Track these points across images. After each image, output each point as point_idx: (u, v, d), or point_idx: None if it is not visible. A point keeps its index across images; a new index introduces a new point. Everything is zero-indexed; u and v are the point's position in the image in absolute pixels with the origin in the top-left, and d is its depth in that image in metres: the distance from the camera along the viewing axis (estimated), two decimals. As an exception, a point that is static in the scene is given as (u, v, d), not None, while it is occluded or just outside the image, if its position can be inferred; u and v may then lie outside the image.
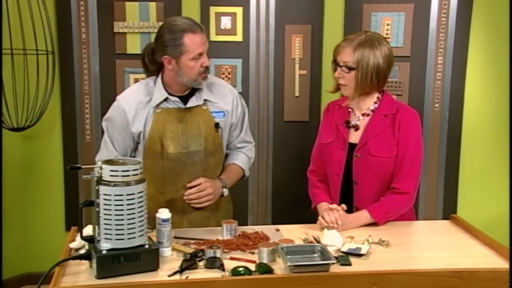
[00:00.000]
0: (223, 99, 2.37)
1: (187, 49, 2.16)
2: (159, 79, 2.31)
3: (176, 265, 1.78)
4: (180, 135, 2.28)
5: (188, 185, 2.28)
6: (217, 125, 2.33)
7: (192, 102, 2.30)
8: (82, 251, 1.86)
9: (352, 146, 2.26)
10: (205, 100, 2.32)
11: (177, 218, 2.18)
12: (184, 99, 2.30)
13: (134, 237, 1.74)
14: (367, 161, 2.22)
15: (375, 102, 2.28)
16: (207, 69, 2.24)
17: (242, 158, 2.48)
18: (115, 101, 2.34)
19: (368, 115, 2.28)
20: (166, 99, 2.28)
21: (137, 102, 2.29)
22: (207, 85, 2.34)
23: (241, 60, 3.51)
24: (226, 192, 2.34)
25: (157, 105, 2.27)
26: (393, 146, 2.21)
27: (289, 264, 1.72)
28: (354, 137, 2.27)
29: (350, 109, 2.32)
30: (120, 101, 2.31)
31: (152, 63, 2.31)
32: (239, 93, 3.45)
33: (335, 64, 2.24)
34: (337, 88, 2.30)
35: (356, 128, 2.28)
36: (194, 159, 2.29)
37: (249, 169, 2.53)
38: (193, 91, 2.31)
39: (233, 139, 2.46)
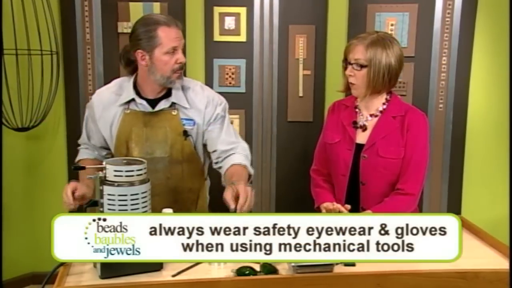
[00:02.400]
0: (196, 106, 2.27)
1: (161, 42, 2.10)
2: (132, 78, 2.26)
3: (180, 265, 1.78)
4: (144, 140, 2.22)
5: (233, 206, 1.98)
6: (185, 133, 2.23)
7: (159, 106, 2.22)
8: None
9: (359, 147, 2.26)
10: (173, 103, 2.23)
11: None
12: (154, 102, 2.23)
13: (138, 237, 1.75)
14: (374, 162, 2.22)
15: (384, 103, 2.27)
16: (182, 67, 2.17)
17: (236, 157, 2.25)
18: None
19: (376, 116, 2.27)
20: (132, 100, 2.22)
21: (106, 99, 2.26)
22: (183, 90, 2.25)
23: (244, 61, 3.51)
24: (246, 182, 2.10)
25: (127, 106, 2.22)
26: (401, 148, 2.21)
27: (293, 264, 1.72)
28: (362, 137, 2.27)
29: (357, 110, 2.32)
30: (94, 95, 2.32)
31: (127, 64, 2.25)
32: (242, 93, 3.49)
33: (346, 62, 2.24)
34: (347, 87, 2.29)
35: (364, 128, 2.27)
36: (158, 166, 2.23)
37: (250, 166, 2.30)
38: (166, 95, 2.24)
39: (213, 141, 2.29)
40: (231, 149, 2.28)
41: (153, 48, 2.12)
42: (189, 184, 2.33)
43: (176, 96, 2.23)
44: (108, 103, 2.25)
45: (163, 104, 2.22)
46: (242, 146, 2.32)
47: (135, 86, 2.24)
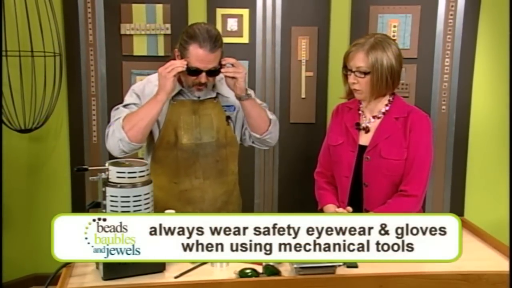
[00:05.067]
0: (233, 94, 2.38)
1: (188, 56, 2.17)
2: None
3: (182, 266, 1.79)
4: (193, 127, 2.31)
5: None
6: (228, 118, 2.37)
7: (205, 95, 2.33)
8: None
9: (362, 148, 2.26)
10: (217, 93, 2.36)
11: (190, 208, 2.32)
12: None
13: (141, 239, 1.75)
14: (377, 164, 2.21)
15: (386, 105, 2.27)
16: (202, 85, 2.23)
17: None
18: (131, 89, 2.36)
19: (379, 117, 2.27)
20: (180, 91, 2.31)
21: (151, 92, 2.28)
22: (219, 80, 2.36)
23: (247, 62, 3.51)
24: (251, 92, 2.30)
25: (172, 98, 2.29)
26: (404, 149, 2.20)
27: (295, 266, 1.72)
28: (365, 139, 2.26)
29: (360, 111, 2.32)
30: (139, 93, 2.32)
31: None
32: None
33: (346, 69, 2.23)
34: (349, 93, 2.29)
35: (367, 130, 2.27)
36: (207, 151, 2.32)
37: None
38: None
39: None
40: None
41: (183, 56, 2.20)
42: (232, 167, 2.44)
43: (218, 87, 2.36)
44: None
45: (208, 94, 2.34)
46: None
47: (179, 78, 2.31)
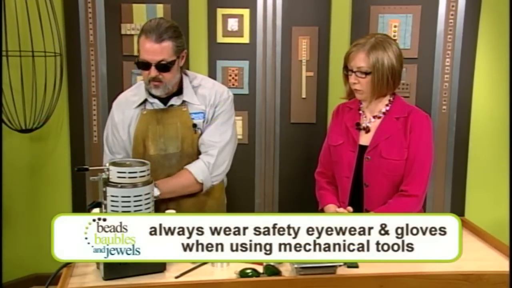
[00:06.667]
0: (204, 101, 2.30)
1: (139, 49, 2.15)
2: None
3: (183, 266, 1.79)
4: (158, 137, 2.26)
5: None
6: (194, 126, 2.27)
7: (170, 102, 2.27)
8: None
9: (362, 148, 2.26)
10: (184, 101, 2.27)
11: None
12: (166, 100, 2.27)
13: (141, 239, 1.75)
14: (378, 164, 2.21)
15: (387, 105, 2.27)
16: (155, 80, 2.15)
17: (195, 163, 2.29)
18: None
19: (379, 117, 2.27)
20: (147, 101, 2.26)
21: (124, 102, 2.30)
22: (193, 87, 2.30)
23: (248, 62, 3.51)
24: (156, 192, 2.07)
25: (144, 107, 2.26)
26: (405, 149, 2.20)
27: (296, 266, 1.72)
28: (365, 139, 2.26)
29: (361, 111, 2.32)
30: (114, 104, 2.34)
31: None
32: (245, 95, 3.49)
33: (347, 70, 2.23)
34: (350, 93, 2.29)
35: (367, 130, 2.27)
36: (172, 162, 2.27)
37: (209, 176, 2.28)
38: (177, 92, 2.27)
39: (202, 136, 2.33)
40: (204, 152, 2.30)
41: (138, 51, 2.17)
42: None
43: (187, 94, 2.27)
44: (126, 105, 2.30)
45: (174, 101, 2.26)
46: (210, 153, 2.29)
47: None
